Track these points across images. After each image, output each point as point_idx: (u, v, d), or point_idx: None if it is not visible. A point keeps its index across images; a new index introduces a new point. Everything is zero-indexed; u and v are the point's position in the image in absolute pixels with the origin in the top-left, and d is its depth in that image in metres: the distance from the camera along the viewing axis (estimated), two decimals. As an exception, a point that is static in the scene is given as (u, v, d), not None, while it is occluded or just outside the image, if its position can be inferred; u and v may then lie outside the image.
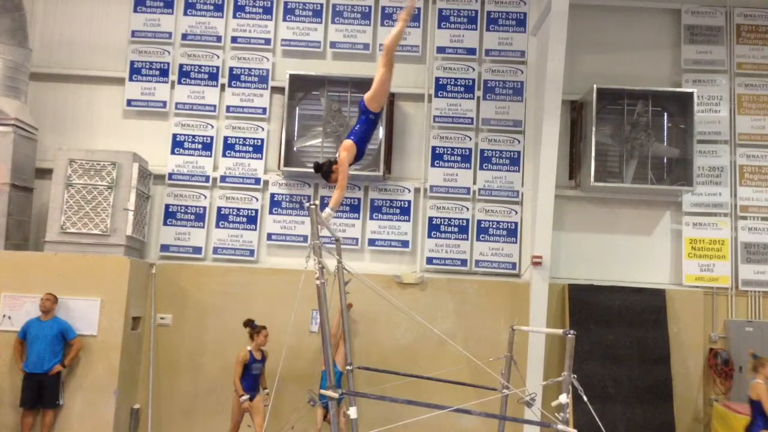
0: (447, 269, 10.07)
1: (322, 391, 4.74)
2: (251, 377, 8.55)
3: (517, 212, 10.13)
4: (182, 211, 10.22)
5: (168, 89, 10.44)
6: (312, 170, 9.69)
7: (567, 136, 10.28)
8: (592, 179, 9.66)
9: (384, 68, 6.61)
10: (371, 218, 10.19)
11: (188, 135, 10.36)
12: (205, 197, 10.25)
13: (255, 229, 10.18)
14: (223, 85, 10.44)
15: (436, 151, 10.29)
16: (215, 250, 10.14)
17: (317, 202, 5.12)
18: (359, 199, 10.21)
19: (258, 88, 10.42)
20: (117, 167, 9.24)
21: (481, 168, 10.25)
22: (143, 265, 9.67)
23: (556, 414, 5.02)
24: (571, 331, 5.26)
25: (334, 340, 8.34)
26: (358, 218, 10.18)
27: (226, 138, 10.36)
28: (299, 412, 8.39)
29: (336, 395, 4.61)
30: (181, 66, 10.48)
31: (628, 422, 9.09)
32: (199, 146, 10.35)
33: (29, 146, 9.82)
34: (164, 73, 10.46)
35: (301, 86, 10.23)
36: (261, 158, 10.32)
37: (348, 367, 6.79)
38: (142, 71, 10.46)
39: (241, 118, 10.39)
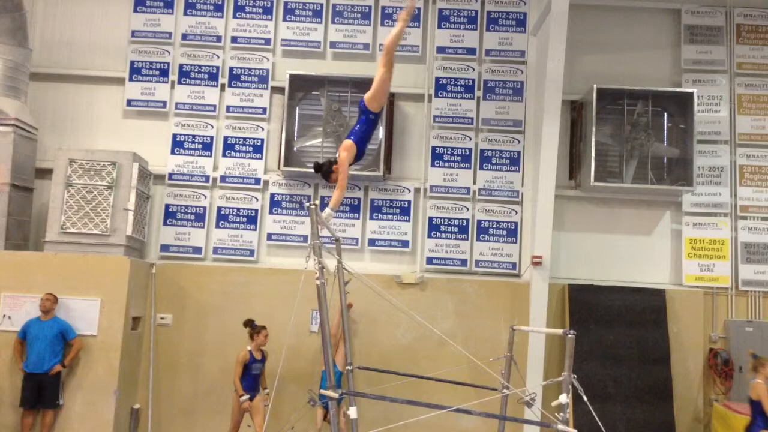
0: (447, 269, 10.07)
1: (322, 391, 4.74)
2: (251, 377, 8.54)
3: (517, 212, 10.13)
4: (182, 211, 10.22)
5: (168, 89, 10.44)
6: (312, 170, 9.69)
7: (567, 136, 10.28)
8: (592, 179, 9.66)
9: (384, 68, 6.62)
10: (371, 218, 10.20)
11: (188, 135, 10.36)
12: (205, 197, 10.25)
13: (255, 229, 10.18)
14: (223, 85, 10.44)
15: (436, 151, 10.29)
16: (215, 250, 10.14)
17: (317, 202, 5.12)
18: (359, 199, 10.21)
19: (258, 88, 10.43)
20: (117, 167, 9.24)
21: (481, 168, 10.25)
22: (143, 265, 9.67)
23: (556, 414, 5.03)
24: (571, 331, 5.26)
25: (334, 340, 8.34)
26: (358, 218, 10.18)
27: (226, 138, 10.37)
28: (299, 412, 8.39)
29: (336, 395, 4.61)
30: (181, 66, 10.48)
31: (628, 422, 9.09)
32: (199, 146, 10.35)
33: (29, 146, 9.82)
34: (164, 73, 10.46)
35: (301, 86, 10.23)
36: (261, 158, 10.32)
37: (348, 367, 6.79)
38: (142, 71, 10.47)
39: (241, 118, 10.39)
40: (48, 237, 9.15)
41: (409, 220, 10.17)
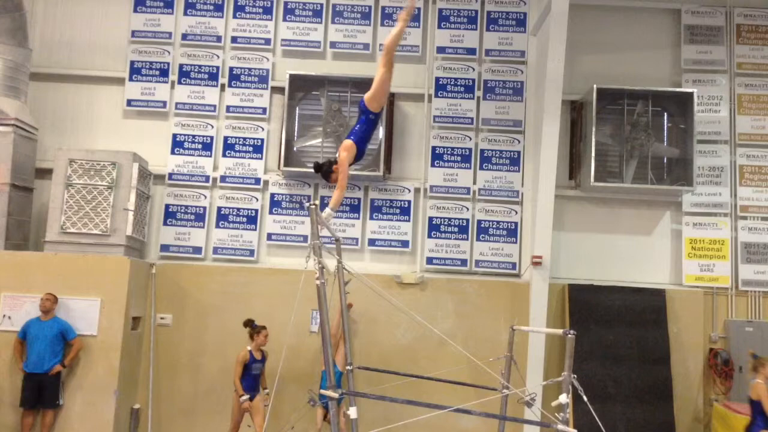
0: (447, 269, 10.07)
1: (322, 391, 4.74)
2: (251, 377, 8.54)
3: (517, 212, 10.13)
4: (182, 211, 10.22)
5: (168, 89, 10.44)
6: (312, 170, 9.70)
7: (567, 136, 10.28)
8: (592, 179, 9.66)
9: (384, 68, 6.62)
10: (371, 218, 10.20)
11: (188, 135, 10.36)
12: (205, 197, 10.25)
13: (255, 229, 10.18)
14: (223, 85, 10.44)
15: (436, 151, 10.29)
16: (215, 250, 10.14)
17: (317, 202, 5.13)
18: (359, 199, 10.21)
19: (258, 88, 10.43)
20: (117, 167, 9.24)
21: (481, 168, 10.25)
22: (143, 265, 9.68)
23: (556, 414, 5.03)
24: (571, 331, 5.26)
25: (334, 340, 8.34)
26: (358, 218, 10.18)
27: (226, 138, 10.37)
28: (299, 412, 8.39)
29: (336, 395, 4.61)
30: (181, 66, 10.48)
31: (628, 422, 9.09)
32: (199, 146, 10.35)
33: (29, 146, 9.82)
34: (164, 73, 10.46)
35: (301, 86, 10.23)
36: (261, 158, 10.32)
37: (348, 367, 6.79)
38: (142, 71, 10.47)
39: (241, 118, 10.39)
40: (48, 237, 9.15)
41: (409, 220, 10.17)
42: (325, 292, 4.71)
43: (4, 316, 8.76)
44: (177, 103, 10.41)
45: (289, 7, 10.56)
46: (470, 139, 10.30)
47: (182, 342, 9.74)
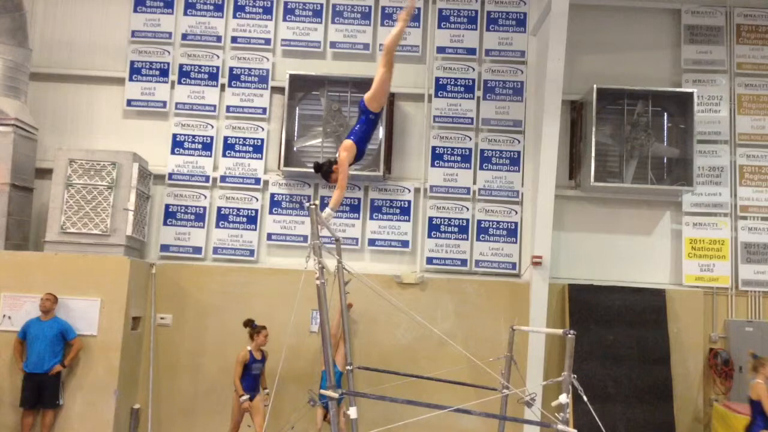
0: (447, 269, 10.07)
1: (322, 391, 4.74)
2: (251, 377, 8.54)
3: (517, 212, 10.13)
4: (182, 211, 10.22)
5: (168, 89, 10.44)
6: (312, 170, 9.69)
7: (567, 136, 10.28)
8: (592, 179, 9.66)
9: (384, 68, 6.62)
10: (371, 218, 10.20)
11: (188, 135, 10.36)
12: (205, 197, 10.25)
13: (255, 229, 10.18)
14: (223, 85, 10.44)
15: (436, 151, 10.29)
16: (215, 250, 10.14)
17: (317, 202, 5.13)
18: (359, 199, 10.21)
19: (258, 88, 10.43)
20: (117, 167, 9.25)
21: (481, 168, 10.25)
22: (143, 265, 9.68)
23: (556, 414, 5.03)
24: (571, 331, 5.26)
25: (335, 340, 8.34)
26: (358, 218, 10.18)
27: (226, 138, 10.36)
28: (299, 412, 8.39)
29: (336, 395, 4.61)
30: (181, 66, 10.48)
31: (628, 422, 9.09)
32: (199, 146, 10.35)
33: (29, 146, 9.82)
34: (164, 73, 10.46)
35: (301, 86, 10.23)
36: (261, 158, 10.32)
37: (348, 367, 6.79)
38: (142, 71, 10.47)
39: (241, 118, 10.39)
40: (48, 237, 9.15)
41: (409, 220, 10.17)
42: (325, 292, 4.71)
43: (4, 316, 8.76)
44: (177, 103, 10.41)
45: (289, 7, 10.56)
46: (470, 139, 10.30)
47: (182, 342, 9.74)
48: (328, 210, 6.21)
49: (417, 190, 10.25)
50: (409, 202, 10.20)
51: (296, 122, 10.22)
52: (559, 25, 9.07)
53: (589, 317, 9.56)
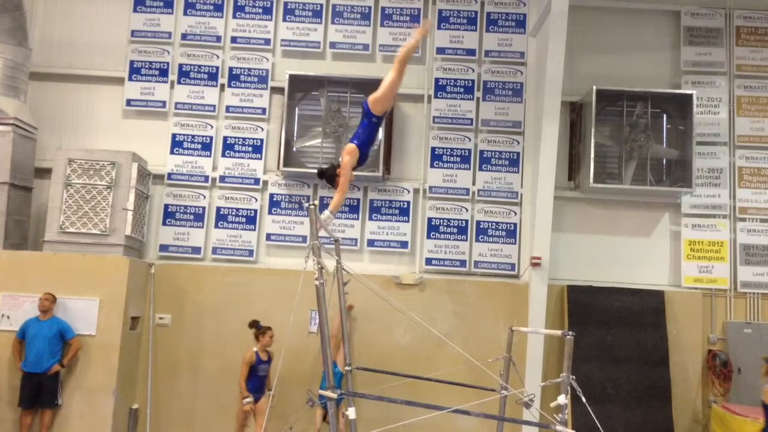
0: (446, 270, 10.07)
1: (321, 392, 4.74)
2: (257, 378, 8.50)
3: (516, 213, 10.14)
4: (181, 211, 10.22)
5: (167, 89, 10.44)
6: (311, 170, 9.72)
7: (566, 138, 10.29)
8: (591, 180, 9.66)
9: (395, 74, 6.67)
10: (370, 219, 10.19)
11: (187, 135, 10.36)
12: (205, 197, 10.25)
13: (254, 230, 10.18)
14: (222, 85, 10.44)
15: (436, 152, 10.29)
16: (214, 250, 10.14)
17: (316, 202, 5.13)
18: (358, 200, 10.21)
19: (257, 89, 10.43)
20: (116, 167, 9.24)
21: (480, 169, 10.26)
22: (142, 265, 9.67)
23: (554, 415, 5.04)
24: (570, 333, 5.27)
25: (336, 340, 8.33)
26: (358, 219, 10.18)
27: (225, 138, 10.36)
28: (298, 413, 8.40)
29: (335, 396, 4.61)
30: (180, 66, 10.48)
31: (626, 423, 9.09)
32: (199, 146, 10.35)
33: (28, 146, 9.81)
34: (164, 72, 10.46)
35: (301, 86, 10.23)
36: (260, 158, 10.32)
37: (347, 368, 6.80)
38: (141, 71, 10.46)
39: (241, 118, 10.39)
40: (47, 237, 9.15)
41: (408, 221, 10.17)
42: (324, 292, 4.71)
43: (2, 315, 8.75)
44: (176, 103, 10.41)
45: (288, 7, 10.56)
46: (469, 140, 10.30)
47: (181, 342, 9.73)
48: (327, 213, 6.22)
49: (416, 191, 10.25)
50: (409, 202, 10.20)
51: (296, 122, 10.22)
52: (559, 27, 9.08)
53: (588, 318, 9.56)
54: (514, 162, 10.25)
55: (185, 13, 10.57)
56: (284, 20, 10.55)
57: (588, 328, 9.46)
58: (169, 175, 10.27)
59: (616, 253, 10.15)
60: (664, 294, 9.81)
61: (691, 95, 9.96)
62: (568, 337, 5.23)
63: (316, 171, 6.91)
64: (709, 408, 9.57)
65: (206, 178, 10.29)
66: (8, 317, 8.74)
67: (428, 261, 10.09)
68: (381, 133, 9.83)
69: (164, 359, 9.69)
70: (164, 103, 10.42)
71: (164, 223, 10.18)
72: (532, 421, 5.75)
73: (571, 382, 5.17)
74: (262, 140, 10.35)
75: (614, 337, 9.53)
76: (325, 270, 4.82)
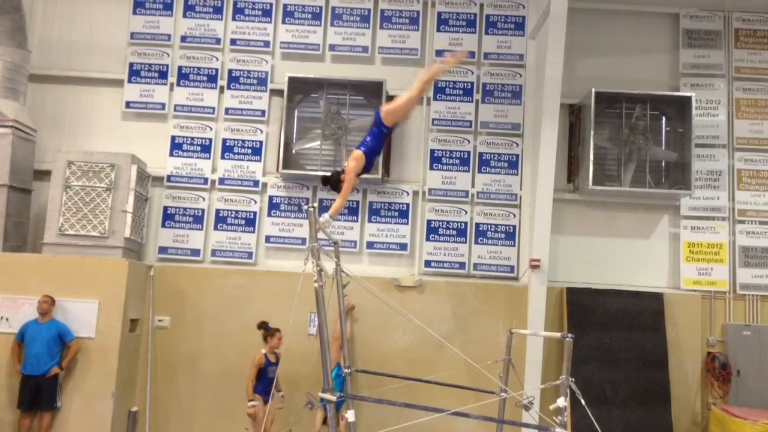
0: (445, 272, 10.07)
1: (321, 394, 4.74)
2: (267, 380, 8.43)
3: (515, 215, 10.14)
4: (180, 213, 10.21)
5: (167, 91, 10.44)
6: (310, 173, 9.73)
7: (565, 140, 10.29)
8: (591, 183, 9.66)
9: (415, 92, 6.71)
10: (370, 221, 10.19)
11: (187, 137, 10.36)
12: (204, 199, 10.25)
13: (253, 232, 10.17)
14: (222, 88, 10.44)
15: (435, 154, 10.29)
16: (213, 253, 10.13)
17: (315, 204, 5.14)
18: (358, 202, 10.21)
19: (257, 91, 10.43)
20: (115, 169, 9.25)
21: (479, 171, 10.26)
22: (141, 267, 9.67)
23: (553, 417, 5.03)
24: (569, 335, 5.27)
25: (338, 343, 8.31)
26: (357, 221, 10.18)
27: (224, 140, 10.36)
28: (297, 415, 8.38)
29: (334, 398, 4.61)
30: (180, 68, 10.48)
31: (626, 426, 9.09)
32: (198, 148, 10.35)
33: (28, 148, 9.81)
34: (163, 75, 10.46)
35: (300, 89, 10.23)
36: (260, 160, 10.31)
37: (346, 370, 6.80)
38: (141, 73, 10.47)
39: (240, 121, 10.39)
40: (46, 239, 9.14)
41: (407, 223, 10.17)
42: (323, 294, 4.71)
43: (1, 317, 8.75)
44: (176, 105, 10.41)
45: (288, 9, 10.57)
46: (469, 142, 10.30)
47: (180, 344, 9.72)
48: (326, 216, 6.21)
49: (415, 193, 10.25)
50: (408, 205, 10.21)
51: (295, 125, 10.22)
52: (558, 29, 9.09)
53: (587, 321, 9.56)
54: (513, 164, 10.26)
55: (185, 16, 10.58)
56: (284, 22, 10.56)
57: (587, 331, 9.46)
58: (169, 177, 10.27)
59: (615, 256, 10.15)
60: (663, 296, 9.82)
61: (690, 97, 9.97)
62: (567, 339, 5.23)
63: (320, 177, 6.89)
64: (708, 410, 9.57)
65: (205, 180, 10.28)
66: (7, 319, 8.74)
67: (427, 263, 10.09)
68: (380, 136, 9.84)
69: (163, 361, 9.68)
70: (163, 105, 10.42)
71: (163, 225, 10.18)
72: (531, 424, 5.76)
73: (570, 385, 5.17)
74: (261, 142, 10.35)
75: (613, 340, 9.53)
76: (324, 272, 4.82)
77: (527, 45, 10.42)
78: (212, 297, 9.80)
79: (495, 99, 10.36)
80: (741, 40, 10.55)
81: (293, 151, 10.14)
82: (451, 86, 10.39)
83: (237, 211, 10.22)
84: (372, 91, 10.04)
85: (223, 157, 10.33)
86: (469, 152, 10.28)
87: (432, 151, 10.29)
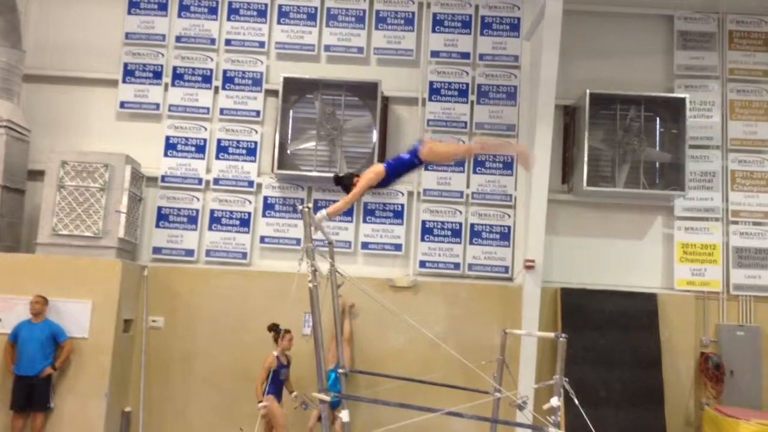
0: (440, 273, 10.08)
1: (315, 395, 4.74)
2: (279, 382, 8.39)
3: (510, 216, 10.15)
4: (175, 213, 10.20)
5: (161, 91, 10.42)
6: (305, 173, 9.73)
7: (560, 141, 10.31)
8: (585, 184, 9.69)
9: (465, 151, 6.93)
10: (364, 221, 10.19)
11: (181, 137, 10.35)
12: (198, 200, 10.23)
13: (248, 232, 10.16)
14: (216, 88, 10.43)
15: (430, 155, 10.28)
16: (208, 253, 10.12)
17: (310, 205, 5.14)
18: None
19: (252, 91, 10.42)
20: (109, 169, 9.22)
21: (474, 172, 10.27)
22: (135, 267, 9.65)
23: (547, 417, 5.04)
24: (563, 335, 5.28)
25: (334, 343, 8.30)
26: (352, 221, 10.18)
27: (219, 140, 10.35)
28: (291, 415, 8.39)
29: (328, 398, 4.61)
30: (174, 68, 10.46)
31: (619, 426, 9.09)
32: (193, 149, 10.33)
33: (21, 148, 9.78)
34: (158, 75, 10.45)
35: (295, 89, 10.21)
36: (254, 161, 10.30)
37: (340, 370, 6.79)
38: (135, 73, 10.45)
39: (235, 121, 10.38)
40: (40, 239, 9.11)
41: (402, 224, 10.17)
42: (317, 295, 4.72)
43: (-5, 318, 8.72)
44: (170, 106, 10.39)
45: (283, 10, 10.56)
46: (464, 142, 10.30)
47: (174, 345, 9.70)
48: (323, 212, 6.02)
49: (410, 194, 10.26)
50: (403, 205, 10.21)
51: (290, 125, 10.20)
52: (553, 30, 9.11)
53: (581, 321, 9.57)
54: (508, 165, 10.27)
55: (179, 16, 10.57)
56: (279, 23, 10.56)
57: (581, 331, 9.45)
58: (163, 177, 10.25)
59: (610, 256, 10.17)
60: (657, 297, 9.84)
61: (684, 99, 10.00)
62: (561, 339, 5.25)
63: (333, 175, 6.74)
64: (701, 410, 9.60)
65: (200, 180, 10.27)
66: (1, 320, 8.70)
67: (422, 264, 10.09)
68: (375, 136, 9.87)
69: (157, 362, 9.66)
70: (158, 105, 10.40)
71: (157, 226, 10.16)
72: (525, 423, 5.76)
73: (564, 385, 5.19)
74: (256, 143, 10.34)
75: (607, 340, 9.54)
76: (318, 273, 4.82)
77: (522, 46, 10.44)
78: (206, 297, 9.77)
79: (490, 100, 10.37)
80: (735, 42, 10.59)
81: (288, 152, 10.13)
82: (446, 87, 10.40)
83: (231, 212, 10.20)
84: (367, 92, 10.04)
85: (217, 158, 10.32)
86: (463, 153, 10.28)
87: (427, 152, 10.27)
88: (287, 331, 8.54)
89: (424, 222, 10.18)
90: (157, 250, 10.09)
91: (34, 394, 8.40)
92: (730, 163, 10.36)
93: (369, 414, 8.73)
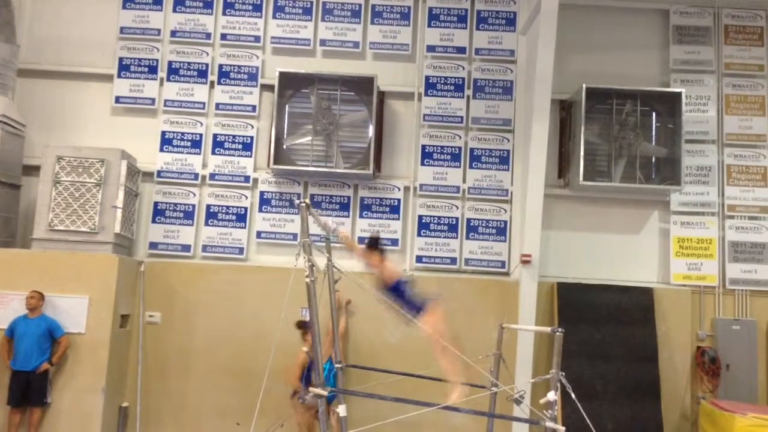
0: (436, 267, 10.09)
1: (311, 389, 4.73)
2: (309, 378, 8.39)
3: (506, 211, 10.16)
4: (171, 208, 10.18)
5: (157, 86, 10.39)
6: (301, 168, 9.73)
7: (556, 135, 10.31)
8: (581, 178, 9.69)
9: (438, 350, 6.20)
10: (361, 216, 10.19)
11: (177, 132, 10.32)
12: (194, 195, 10.21)
13: (244, 227, 10.15)
14: (212, 83, 10.40)
15: (426, 150, 10.29)
16: (204, 248, 10.11)
17: (307, 200, 5.12)
18: (349, 198, 10.20)
19: (247, 86, 10.39)
20: (105, 164, 9.20)
21: (470, 167, 10.27)
22: (132, 262, 9.63)
23: (544, 411, 5.05)
24: (560, 329, 5.28)
25: (330, 337, 8.29)
26: (348, 216, 10.17)
27: (215, 135, 10.33)
28: (289, 411, 8.39)
29: (325, 393, 4.61)
30: (170, 63, 10.43)
31: (616, 420, 9.14)
32: (188, 144, 10.31)
33: (16, 143, 9.75)
34: (153, 69, 10.41)
35: (291, 84, 10.18)
36: (250, 156, 10.29)
37: (337, 365, 6.80)
38: (130, 68, 10.41)
39: (231, 116, 10.36)
40: (36, 234, 9.09)
41: (398, 219, 10.17)
42: (314, 290, 4.71)
43: (-9, 313, 8.70)
44: (166, 100, 10.36)
45: (278, 4, 10.53)
46: (460, 137, 10.31)
47: (171, 340, 9.69)
48: (335, 225, 5.90)
49: (407, 189, 10.25)
50: (399, 200, 10.21)
51: (286, 120, 10.17)
52: (549, 25, 9.10)
53: (578, 315, 9.59)
54: (504, 160, 10.27)
55: (174, 10, 10.52)
56: (274, 17, 10.53)
57: (577, 325, 9.49)
58: (159, 172, 10.22)
59: (606, 251, 10.19)
60: (653, 291, 9.87)
61: (679, 93, 10.00)
62: (557, 333, 5.25)
63: (371, 236, 6.68)
64: (697, 404, 9.64)
65: (196, 175, 10.25)
66: (-4, 315, 8.70)
67: (419, 258, 10.10)
68: (371, 131, 9.85)
69: (154, 357, 9.66)
70: (153, 100, 10.37)
71: (154, 221, 10.14)
72: (522, 418, 5.78)
73: (560, 379, 5.19)
74: (252, 138, 10.32)
75: (603, 334, 9.57)
76: (315, 267, 4.81)
77: (518, 41, 10.43)
78: (203, 293, 9.77)
79: (486, 95, 10.37)
80: (730, 37, 10.59)
81: (284, 147, 10.10)
82: (442, 82, 10.39)
83: (228, 207, 10.19)
84: (363, 87, 10.01)
85: (213, 153, 10.30)
86: (460, 148, 10.29)
87: (423, 147, 10.29)
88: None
89: (420, 217, 10.18)
90: (153, 245, 10.08)
91: (30, 390, 8.40)
92: (726, 158, 10.38)
93: (365, 409, 8.72)
